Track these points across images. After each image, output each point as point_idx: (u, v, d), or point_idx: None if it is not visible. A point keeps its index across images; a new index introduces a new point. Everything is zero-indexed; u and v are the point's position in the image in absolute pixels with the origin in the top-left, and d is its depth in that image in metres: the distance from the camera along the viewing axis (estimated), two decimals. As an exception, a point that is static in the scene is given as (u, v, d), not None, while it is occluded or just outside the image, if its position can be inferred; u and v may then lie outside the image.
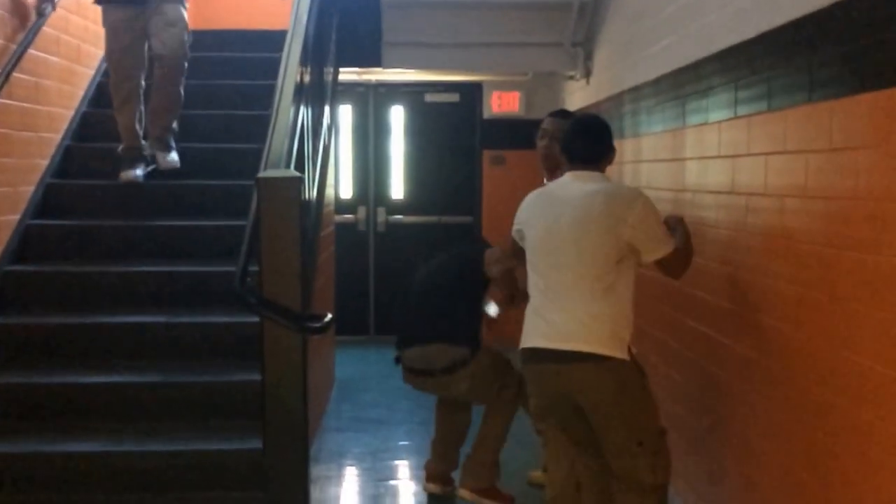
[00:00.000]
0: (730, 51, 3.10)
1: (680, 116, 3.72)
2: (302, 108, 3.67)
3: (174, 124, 4.44)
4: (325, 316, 3.06)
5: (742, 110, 3.02)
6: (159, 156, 4.38)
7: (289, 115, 3.31)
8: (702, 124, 3.43)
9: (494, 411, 3.65)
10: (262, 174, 3.03)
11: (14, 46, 3.98)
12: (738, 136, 3.04)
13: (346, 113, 6.88)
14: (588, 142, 2.86)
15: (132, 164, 4.34)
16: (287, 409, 3.02)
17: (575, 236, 2.69)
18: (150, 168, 4.41)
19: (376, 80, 6.82)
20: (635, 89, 4.40)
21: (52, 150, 4.45)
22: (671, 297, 3.65)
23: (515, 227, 2.97)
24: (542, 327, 2.72)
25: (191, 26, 4.40)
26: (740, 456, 2.97)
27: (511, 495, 3.67)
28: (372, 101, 6.99)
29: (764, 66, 2.81)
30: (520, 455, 3.72)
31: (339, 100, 5.69)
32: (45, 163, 4.39)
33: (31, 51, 4.04)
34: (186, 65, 4.36)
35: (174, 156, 4.42)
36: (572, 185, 2.81)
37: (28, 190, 4.23)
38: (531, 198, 2.95)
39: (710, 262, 3.30)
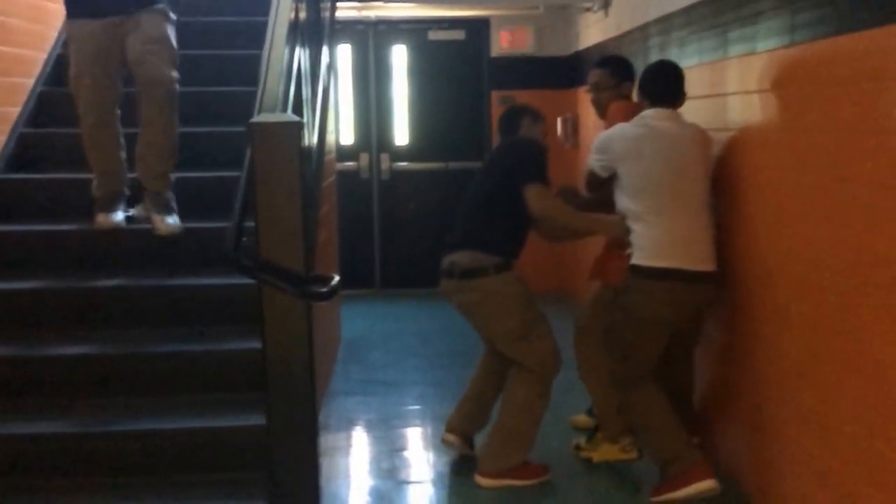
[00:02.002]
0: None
1: (720, 47, 3.36)
2: (298, 48, 3.29)
3: (171, 176, 3.57)
4: (332, 279, 2.73)
5: (801, 36, 2.64)
6: (156, 218, 3.48)
7: (283, 53, 2.95)
8: (748, 54, 3.07)
9: (516, 383, 3.33)
10: (255, 119, 2.69)
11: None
12: (796, 66, 2.67)
13: (344, 53, 6.45)
14: (677, 85, 3.30)
15: (110, 206, 3.50)
16: (292, 381, 2.72)
17: (690, 165, 3.16)
18: (131, 212, 3.60)
19: (376, 17, 6.39)
20: (664, 19, 4.02)
21: (23, 96, 4.09)
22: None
23: (602, 163, 3.25)
24: (678, 249, 3.10)
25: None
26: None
27: (544, 465, 3.37)
28: (372, 40, 6.56)
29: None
30: (564, 399, 3.43)
31: (337, 39, 5.29)
32: (16, 111, 4.03)
33: (-10, -16, 3.64)
34: (176, 93, 3.48)
35: (175, 219, 3.52)
36: (671, 122, 3.22)
37: (-1, 141, 3.87)
38: (626, 135, 3.22)
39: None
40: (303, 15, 3.56)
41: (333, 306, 4.97)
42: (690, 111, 3.62)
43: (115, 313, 3.35)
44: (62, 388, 3.12)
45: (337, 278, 2.77)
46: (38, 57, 4.21)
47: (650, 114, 3.22)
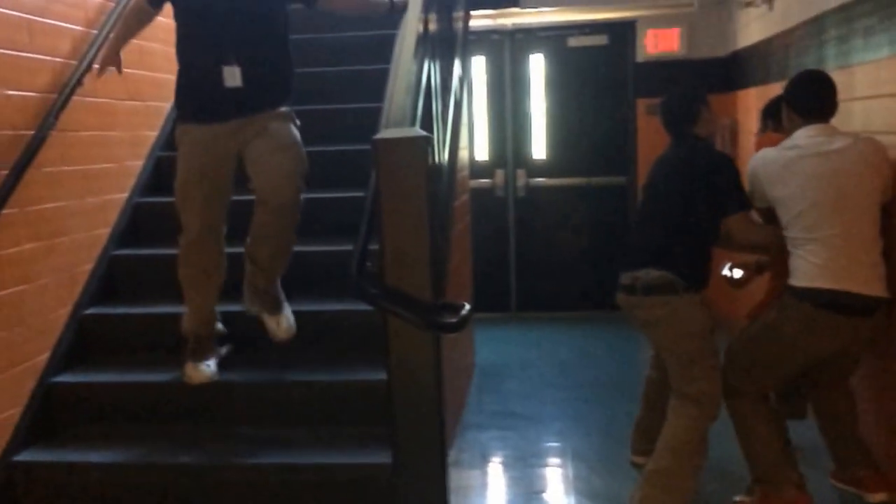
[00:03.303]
0: None
1: (918, 34, 2.85)
2: (428, 61, 3.09)
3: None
4: (462, 308, 2.46)
5: None
6: (269, 320, 3.13)
7: (411, 66, 2.74)
8: (956, 41, 2.57)
9: (674, 419, 2.97)
10: (380, 135, 2.48)
11: (112, 4, 3.60)
12: None
13: (479, 65, 6.23)
14: (830, 97, 3.02)
15: (201, 355, 3.03)
16: (420, 417, 2.53)
17: (854, 182, 2.86)
18: (226, 351, 3.19)
19: (513, 25, 6.12)
20: (845, 8, 3.53)
21: (161, 120, 4.10)
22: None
23: (752, 194, 3.05)
24: (844, 272, 2.82)
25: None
26: None
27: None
28: (508, 50, 6.29)
29: None
30: (724, 449, 3.03)
31: (471, 50, 5.06)
32: (153, 134, 4.04)
33: (131, 10, 3.63)
34: (300, 207, 3.03)
35: (289, 316, 3.16)
36: (825, 136, 2.94)
37: (136, 165, 3.89)
38: (771, 159, 3.00)
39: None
40: (433, 27, 3.35)
41: (467, 331, 4.72)
42: (880, 112, 3.14)
43: (241, 341, 3.25)
44: (182, 418, 3.05)
45: (468, 307, 2.50)
46: (174, 80, 4.21)
47: (800, 134, 2.98)
